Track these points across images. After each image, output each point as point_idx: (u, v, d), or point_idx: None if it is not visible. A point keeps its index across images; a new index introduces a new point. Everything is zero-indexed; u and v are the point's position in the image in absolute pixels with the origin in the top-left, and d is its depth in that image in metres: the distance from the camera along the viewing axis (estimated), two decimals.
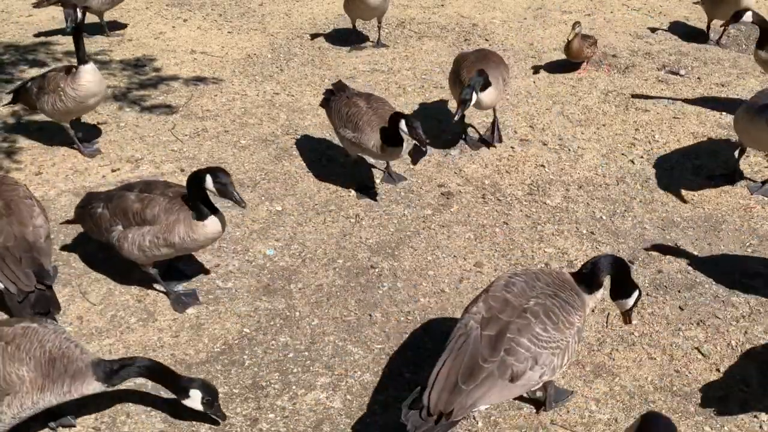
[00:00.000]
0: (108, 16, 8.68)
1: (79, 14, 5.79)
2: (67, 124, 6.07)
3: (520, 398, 3.97)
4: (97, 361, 3.49)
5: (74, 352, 3.46)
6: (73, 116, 6.06)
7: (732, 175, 5.93)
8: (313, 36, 8.82)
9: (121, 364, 3.52)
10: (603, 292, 3.77)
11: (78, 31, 5.72)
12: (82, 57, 5.71)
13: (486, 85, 5.75)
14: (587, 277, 3.64)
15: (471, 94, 5.61)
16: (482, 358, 3.28)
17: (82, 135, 6.38)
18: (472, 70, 5.85)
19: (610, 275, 3.68)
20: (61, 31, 8.54)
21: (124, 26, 8.96)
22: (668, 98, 7.23)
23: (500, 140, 6.49)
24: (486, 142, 6.48)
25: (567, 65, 8.09)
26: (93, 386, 3.47)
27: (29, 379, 3.36)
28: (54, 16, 9.12)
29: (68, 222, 5.11)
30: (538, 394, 3.93)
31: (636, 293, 3.72)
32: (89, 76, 5.73)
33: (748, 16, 6.00)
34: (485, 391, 3.26)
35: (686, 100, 7.18)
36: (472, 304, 3.55)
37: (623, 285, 3.70)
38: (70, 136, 6.15)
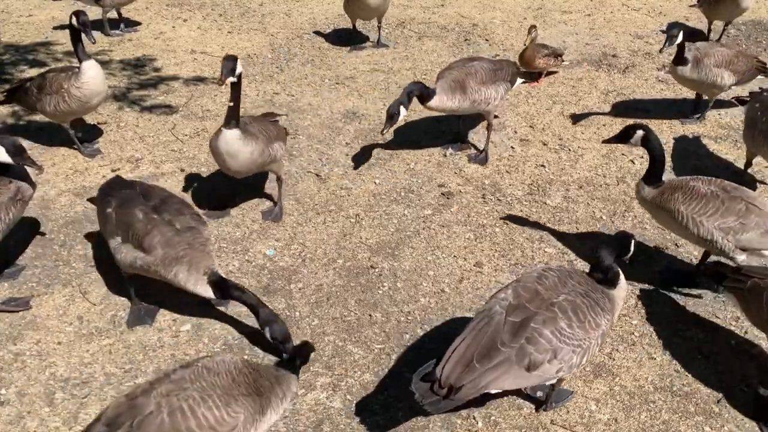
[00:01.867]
0: (113, 14, 8.68)
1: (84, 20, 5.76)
2: (67, 125, 6.06)
3: (522, 395, 3.98)
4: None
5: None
6: (74, 117, 6.05)
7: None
8: (313, 36, 8.82)
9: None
10: (626, 283, 3.84)
11: (75, 30, 5.68)
12: (82, 55, 5.69)
13: (425, 95, 5.66)
14: (603, 279, 3.69)
15: (398, 109, 5.50)
16: (501, 341, 3.29)
17: (82, 135, 6.39)
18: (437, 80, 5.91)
19: (617, 257, 3.76)
20: (60, 30, 8.53)
21: (137, 24, 8.96)
22: (600, 113, 7.21)
23: (484, 161, 6.22)
24: (475, 159, 6.30)
25: (567, 65, 8.09)
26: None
27: None
28: (54, 17, 9.12)
29: (90, 200, 5.11)
30: (539, 393, 3.93)
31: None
32: (93, 73, 5.70)
33: (637, 138, 5.15)
34: (498, 375, 3.27)
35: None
36: (501, 291, 3.57)
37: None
38: (69, 136, 6.14)
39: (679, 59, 6.42)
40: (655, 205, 4.65)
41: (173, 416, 3.05)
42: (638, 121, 5.33)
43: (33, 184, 4.68)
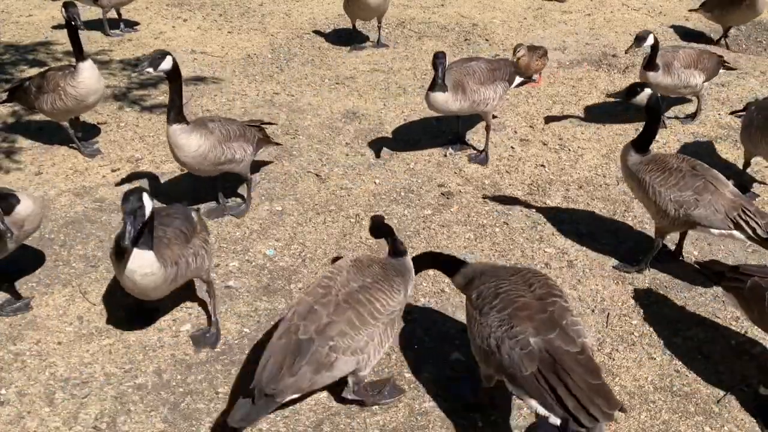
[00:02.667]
0: (113, 14, 8.68)
1: (78, 17, 5.74)
2: (66, 123, 6.07)
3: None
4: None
5: None
6: (72, 115, 6.06)
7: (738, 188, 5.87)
8: (313, 36, 8.82)
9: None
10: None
11: (73, 28, 5.68)
12: (80, 54, 5.70)
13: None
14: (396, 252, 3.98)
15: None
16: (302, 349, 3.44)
17: (82, 135, 6.39)
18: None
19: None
20: (59, 29, 8.54)
21: (136, 24, 8.96)
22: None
23: (484, 161, 6.26)
24: (475, 159, 6.32)
25: (567, 65, 8.09)
26: None
27: None
28: (54, 16, 9.13)
29: None
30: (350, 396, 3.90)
31: None
32: (88, 73, 5.72)
33: (643, 96, 4.91)
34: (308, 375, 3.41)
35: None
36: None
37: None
38: (69, 136, 6.15)
39: (651, 65, 6.42)
40: (632, 172, 4.82)
41: (360, 305, 3.58)
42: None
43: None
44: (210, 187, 5.79)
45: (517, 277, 3.64)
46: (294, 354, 3.40)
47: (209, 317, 4.45)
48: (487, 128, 6.28)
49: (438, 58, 5.68)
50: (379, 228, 4.09)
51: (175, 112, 5.01)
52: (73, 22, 5.59)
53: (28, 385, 4.01)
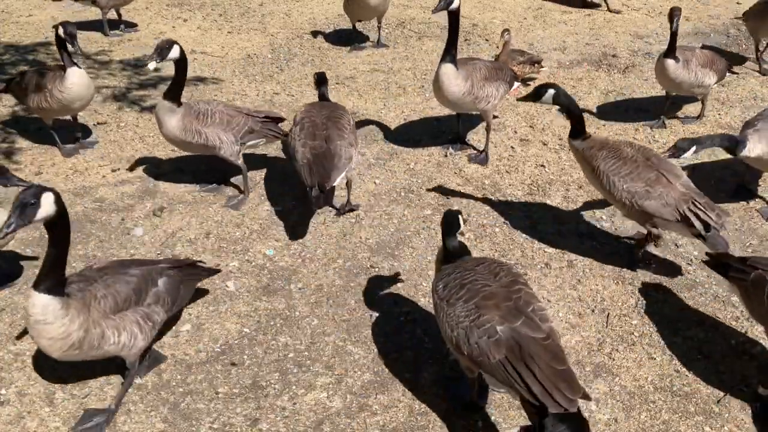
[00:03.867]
0: (112, 14, 8.68)
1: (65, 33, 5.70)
2: (50, 122, 6.08)
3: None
4: None
5: None
6: (57, 116, 6.07)
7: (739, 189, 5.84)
8: (313, 36, 8.82)
9: None
10: None
11: (62, 40, 5.67)
12: (68, 61, 5.70)
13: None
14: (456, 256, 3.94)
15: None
16: None
17: (82, 135, 6.38)
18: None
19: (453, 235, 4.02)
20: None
21: (135, 25, 8.96)
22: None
23: (484, 161, 6.22)
24: (475, 159, 6.30)
25: (567, 65, 8.09)
26: None
27: None
28: (54, 16, 9.12)
29: None
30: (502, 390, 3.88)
31: None
32: (75, 79, 5.73)
33: (548, 96, 5.03)
34: None
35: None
36: None
37: None
38: (51, 134, 6.16)
39: (671, 52, 6.36)
40: (583, 156, 4.94)
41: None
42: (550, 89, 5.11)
43: None
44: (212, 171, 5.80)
45: (482, 267, 3.69)
46: None
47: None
48: (488, 128, 6.28)
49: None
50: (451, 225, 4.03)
51: (172, 90, 5.40)
52: (70, 46, 5.62)
53: (28, 385, 4.01)
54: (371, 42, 8.61)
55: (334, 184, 5.05)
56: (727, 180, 5.96)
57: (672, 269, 5.01)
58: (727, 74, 6.99)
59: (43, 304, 3.42)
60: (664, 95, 7.37)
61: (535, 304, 3.47)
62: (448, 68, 5.78)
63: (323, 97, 5.78)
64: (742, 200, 5.73)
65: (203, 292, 4.68)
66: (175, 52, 5.21)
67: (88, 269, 3.90)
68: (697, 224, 4.53)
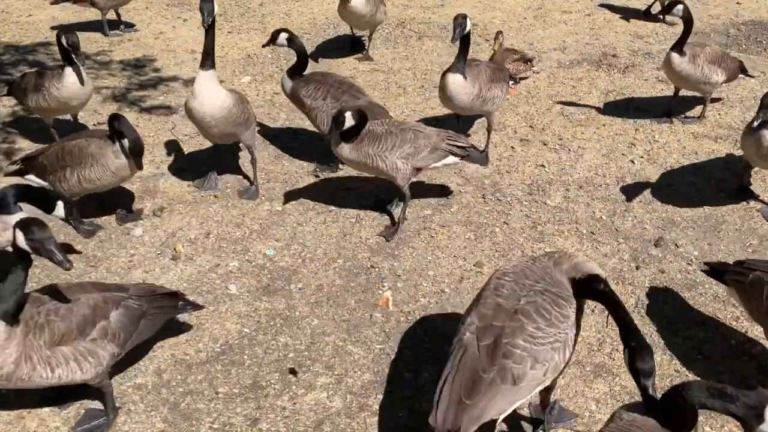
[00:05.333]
0: (111, 15, 8.67)
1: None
2: (50, 121, 6.08)
3: (522, 417, 3.97)
4: None
5: None
6: (57, 115, 6.08)
7: (740, 189, 5.80)
8: (313, 36, 8.82)
9: None
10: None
11: (60, 33, 5.67)
12: (67, 59, 5.70)
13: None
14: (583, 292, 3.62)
15: (464, 22, 5.69)
16: (482, 369, 3.22)
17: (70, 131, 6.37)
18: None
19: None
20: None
21: (133, 25, 8.95)
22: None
23: (485, 162, 5.93)
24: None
25: (567, 65, 8.09)
26: None
27: None
28: (54, 16, 9.12)
29: None
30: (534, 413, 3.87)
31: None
32: (73, 78, 5.72)
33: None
34: (490, 400, 3.20)
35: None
36: (466, 315, 3.51)
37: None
38: (50, 134, 6.16)
39: (679, 46, 6.36)
40: (350, 159, 5.23)
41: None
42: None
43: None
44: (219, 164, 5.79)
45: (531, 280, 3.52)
46: None
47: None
48: (490, 129, 6.28)
49: (457, 18, 5.72)
50: None
51: (210, 57, 5.30)
52: (73, 56, 5.56)
53: None
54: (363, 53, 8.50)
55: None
56: (728, 180, 5.96)
57: (672, 269, 5.01)
58: (740, 75, 6.95)
59: None
60: (664, 95, 7.39)
61: (514, 360, 3.24)
62: (456, 78, 5.81)
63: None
64: (742, 200, 5.73)
65: (184, 327, 4.45)
66: (216, 8, 5.22)
67: (48, 289, 3.69)
68: (459, 150, 5.29)
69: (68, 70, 5.69)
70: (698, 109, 7.02)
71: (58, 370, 3.49)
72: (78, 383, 3.63)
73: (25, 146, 6.34)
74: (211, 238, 5.26)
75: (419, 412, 3.90)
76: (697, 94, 6.87)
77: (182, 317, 4.50)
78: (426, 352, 4.29)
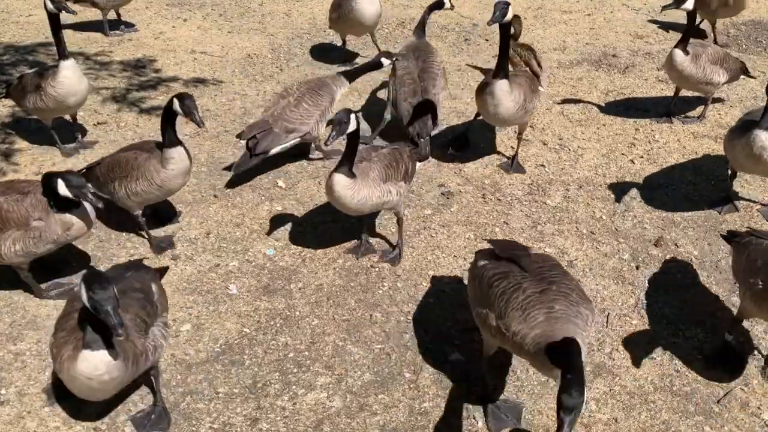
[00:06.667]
0: (112, 15, 8.68)
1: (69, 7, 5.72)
2: (49, 123, 6.08)
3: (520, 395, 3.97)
4: None
5: None
6: (55, 115, 6.05)
7: (727, 198, 5.67)
8: (313, 36, 8.82)
9: None
10: None
11: (56, 23, 5.65)
12: (63, 52, 5.69)
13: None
14: None
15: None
16: None
17: (81, 135, 6.37)
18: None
19: None
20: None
21: (134, 25, 8.96)
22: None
23: (520, 170, 6.08)
24: (510, 167, 6.16)
25: (567, 65, 8.09)
26: None
27: None
28: None
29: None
30: None
31: None
32: (68, 72, 5.70)
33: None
34: None
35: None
36: None
37: None
38: (50, 134, 6.16)
39: (684, 42, 6.33)
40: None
41: None
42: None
43: (89, 224, 4.42)
44: (210, 187, 5.79)
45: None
46: None
47: (155, 394, 3.87)
48: (521, 137, 6.15)
49: (499, 3, 5.25)
50: None
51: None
52: (61, 11, 5.54)
53: (28, 385, 4.02)
54: (362, 57, 8.44)
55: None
56: (727, 180, 5.96)
57: (672, 269, 5.01)
58: (742, 76, 6.95)
59: (100, 360, 3.30)
60: (664, 95, 7.39)
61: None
62: (503, 84, 5.43)
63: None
64: (741, 200, 5.73)
65: (184, 327, 4.56)
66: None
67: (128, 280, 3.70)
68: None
69: (62, 64, 5.69)
70: (698, 109, 7.03)
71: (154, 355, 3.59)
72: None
73: (25, 146, 6.34)
74: (211, 237, 5.26)
75: (419, 412, 3.90)
76: (698, 94, 6.87)
77: (183, 316, 4.50)
78: (426, 352, 4.29)
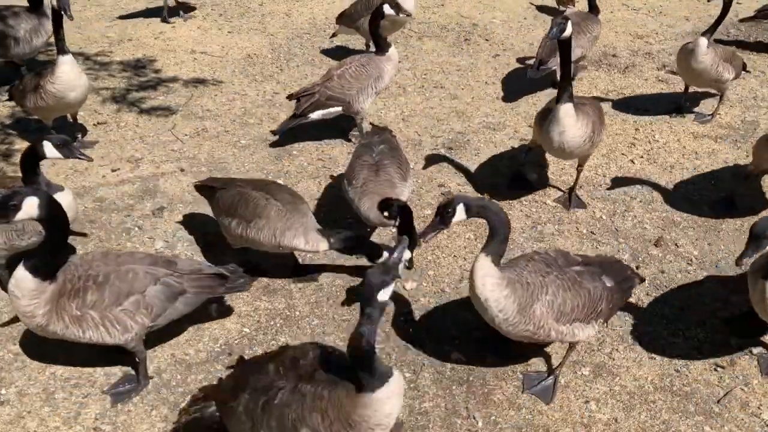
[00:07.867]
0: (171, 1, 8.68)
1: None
2: (49, 123, 6.08)
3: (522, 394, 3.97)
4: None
5: None
6: (56, 114, 6.05)
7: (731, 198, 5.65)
8: (313, 36, 8.82)
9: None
10: None
11: (58, 19, 5.64)
12: (62, 48, 5.68)
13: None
14: None
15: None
16: None
17: (82, 136, 6.37)
18: None
19: None
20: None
21: (193, 8, 9.33)
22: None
23: (581, 205, 5.59)
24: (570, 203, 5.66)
25: None
26: None
27: None
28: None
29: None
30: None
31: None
32: (66, 67, 5.68)
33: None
34: None
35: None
36: None
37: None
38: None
39: (712, 31, 6.30)
40: None
41: None
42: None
43: (72, 210, 4.50)
44: None
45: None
46: None
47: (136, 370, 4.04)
48: (581, 170, 5.63)
49: (557, 18, 4.74)
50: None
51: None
52: (62, 11, 5.54)
53: (28, 385, 4.02)
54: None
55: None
56: (727, 180, 5.97)
57: (672, 269, 5.01)
58: (743, 72, 6.98)
59: (19, 277, 3.67)
60: (664, 95, 7.39)
61: None
62: (569, 109, 4.86)
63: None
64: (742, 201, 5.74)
65: (183, 327, 4.43)
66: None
67: (99, 255, 3.97)
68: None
69: (60, 59, 5.68)
70: (706, 105, 7.01)
71: (89, 332, 3.77)
72: (111, 345, 3.86)
73: (24, 147, 6.32)
74: (211, 237, 5.25)
75: (419, 411, 3.90)
76: (707, 89, 6.89)
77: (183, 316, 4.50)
78: (426, 352, 4.29)
